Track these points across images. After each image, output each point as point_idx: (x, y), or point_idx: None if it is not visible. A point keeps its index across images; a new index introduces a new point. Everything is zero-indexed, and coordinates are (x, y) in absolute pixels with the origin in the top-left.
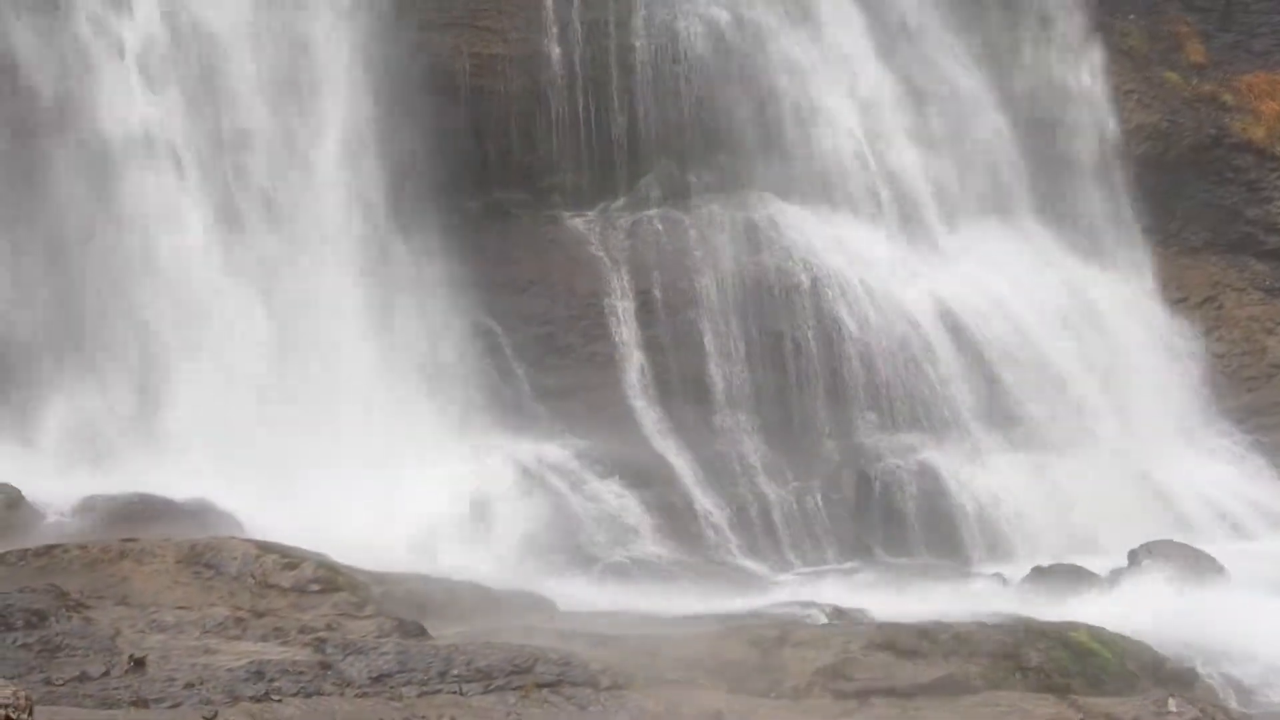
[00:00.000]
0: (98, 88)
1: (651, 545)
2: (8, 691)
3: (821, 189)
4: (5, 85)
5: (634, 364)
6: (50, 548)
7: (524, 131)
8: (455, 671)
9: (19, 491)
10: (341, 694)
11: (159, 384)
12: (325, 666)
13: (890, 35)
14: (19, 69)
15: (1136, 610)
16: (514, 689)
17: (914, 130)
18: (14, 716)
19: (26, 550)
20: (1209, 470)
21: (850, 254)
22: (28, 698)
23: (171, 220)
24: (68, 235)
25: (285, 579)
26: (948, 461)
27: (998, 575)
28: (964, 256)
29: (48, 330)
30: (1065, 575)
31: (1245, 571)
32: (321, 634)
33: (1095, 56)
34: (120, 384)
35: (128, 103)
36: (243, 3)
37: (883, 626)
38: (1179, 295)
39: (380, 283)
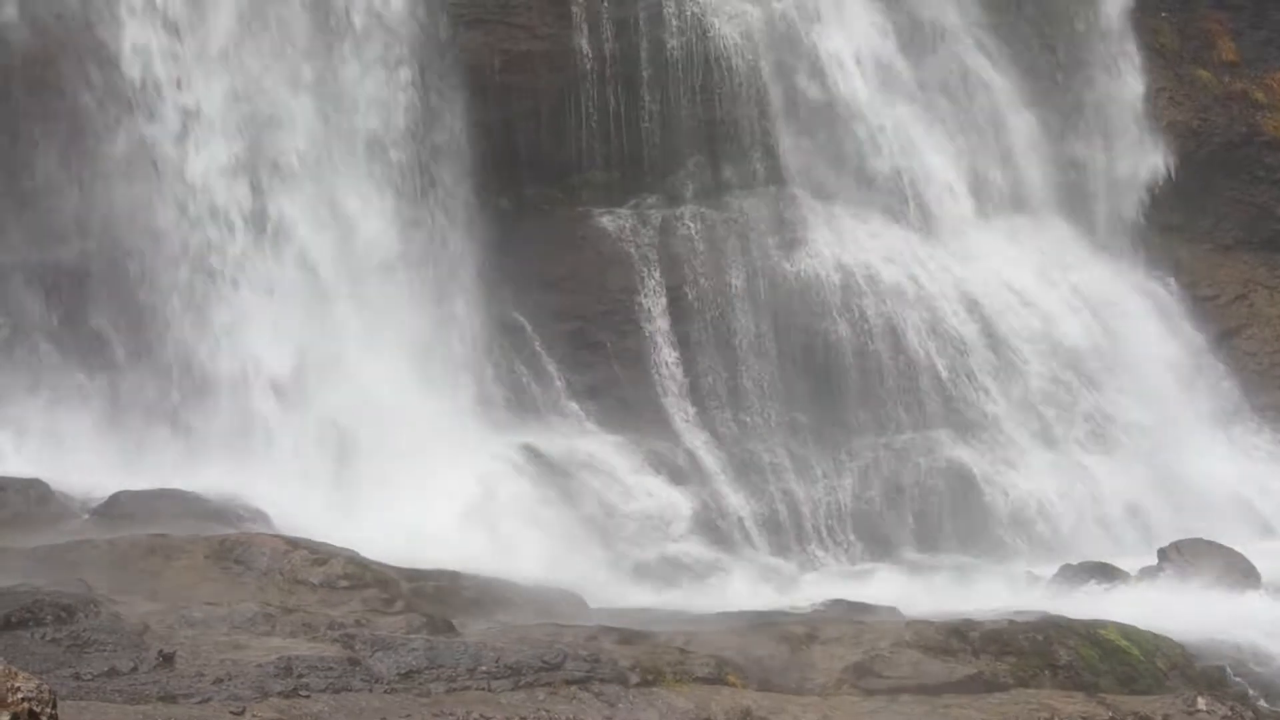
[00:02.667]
0: None
1: (681, 542)
2: (31, 685)
3: (852, 186)
4: None
5: (665, 361)
6: (79, 543)
7: (555, 128)
8: (484, 668)
9: (48, 486)
10: (370, 690)
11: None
12: (354, 662)
13: (921, 32)
14: None
15: (1166, 608)
16: (543, 685)
17: (944, 127)
18: (37, 710)
19: (55, 545)
20: (1240, 468)
21: (881, 251)
22: (51, 691)
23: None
24: None
25: (314, 575)
26: (978, 459)
27: (1027, 573)
28: (994, 254)
29: None
30: (1095, 573)
31: (1276, 570)
32: (350, 630)
33: (1127, 53)
34: None
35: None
36: None
37: (912, 624)
38: (1210, 293)
39: (410, 278)
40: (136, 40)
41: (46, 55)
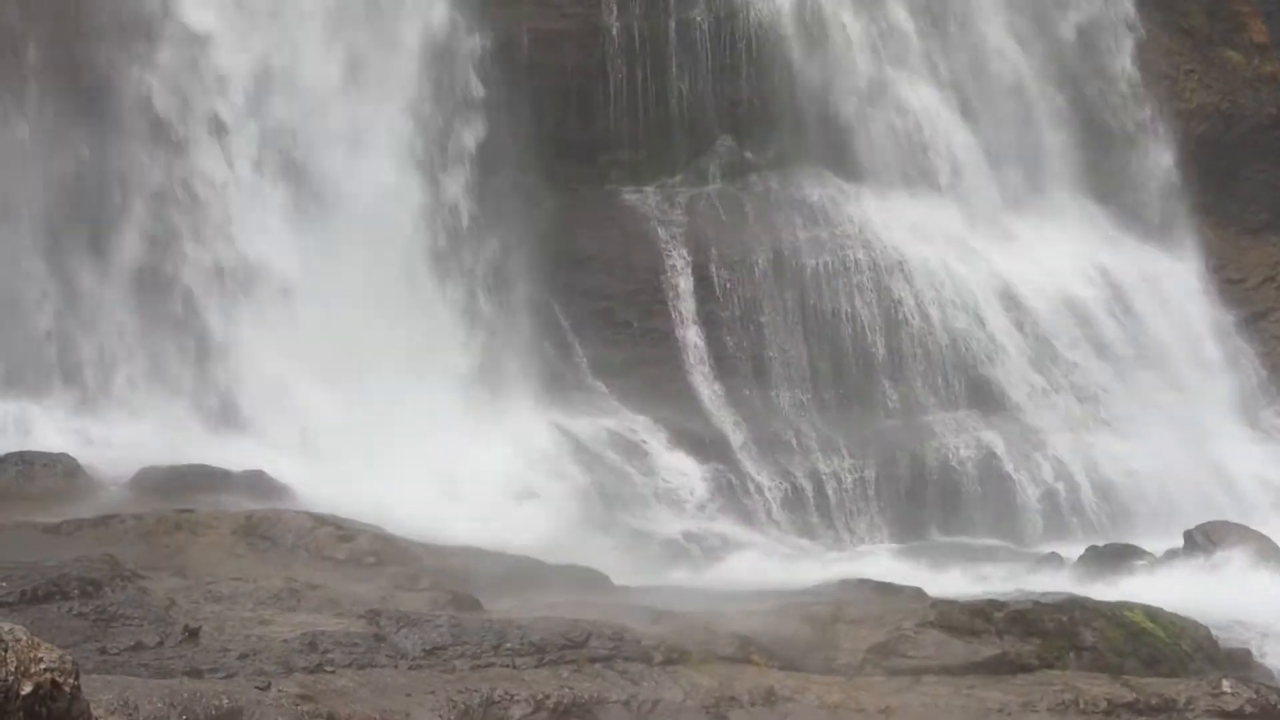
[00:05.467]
0: None
1: (707, 521)
2: (54, 655)
3: (879, 166)
4: None
5: (691, 340)
6: (106, 518)
7: (582, 107)
8: (508, 645)
9: (76, 461)
10: (395, 666)
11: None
12: (379, 638)
13: (948, 13)
14: None
15: (1192, 591)
16: (567, 663)
17: (971, 108)
18: (60, 680)
19: (83, 520)
20: (1266, 450)
21: (907, 231)
22: (74, 662)
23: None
24: None
25: (340, 551)
26: (1004, 440)
27: (1053, 555)
28: (1020, 235)
29: None
30: (1121, 555)
31: None
32: (375, 606)
33: (1154, 35)
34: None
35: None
36: None
37: (936, 605)
38: (1237, 276)
39: (438, 257)
40: None
41: None
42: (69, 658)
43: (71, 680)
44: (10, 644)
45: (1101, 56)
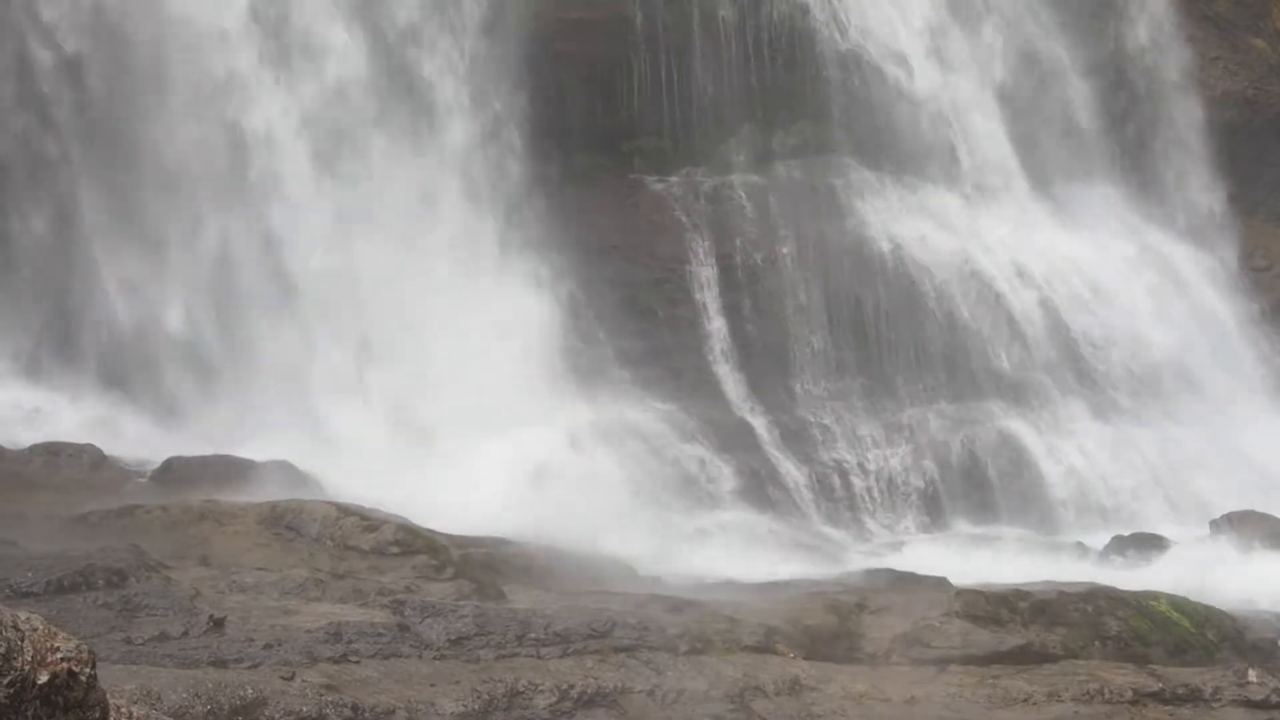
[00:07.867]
0: None
1: (731, 510)
2: (71, 645)
3: (904, 155)
4: None
5: (716, 329)
6: (132, 508)
7: (606, 96)
8: (533, 635)
9: (101, 451)
10: (419, 656)
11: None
12: (403, 628)
13: (974, 1)
14: None
15: (1217, 580)
16: (591, 653)
17: (996, 96)
18: (76, 670)
19: (108, 510)
20: None
21: (933, 220)
22: (91, 651)
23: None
24: None
25: (365, 541)
26: (1030, 430)
27: (1078, 544)
28: (1046, 223)
29: None
30: (1146, 544)
31: None
32: (400, 596)
33: (1179, 22)
34: None
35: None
36: None
37: (961, 594)
38: (1264, 263)
39: (462, 245)
40: None
41: None
42: (85, 647)
43: (88, 669)
44: (27, 633)
45: (1128, 44)
